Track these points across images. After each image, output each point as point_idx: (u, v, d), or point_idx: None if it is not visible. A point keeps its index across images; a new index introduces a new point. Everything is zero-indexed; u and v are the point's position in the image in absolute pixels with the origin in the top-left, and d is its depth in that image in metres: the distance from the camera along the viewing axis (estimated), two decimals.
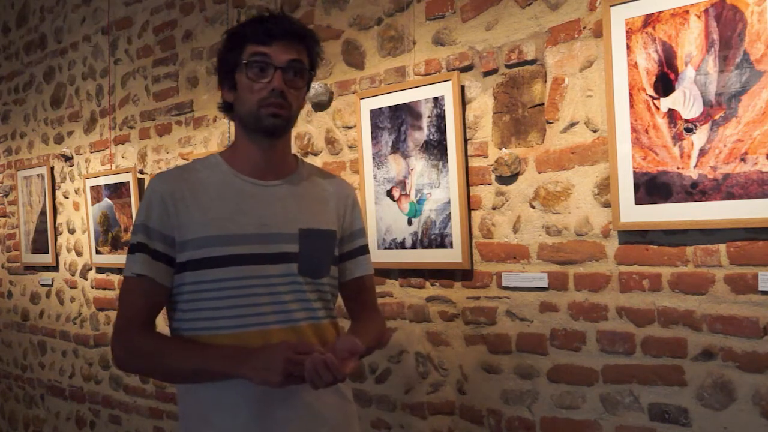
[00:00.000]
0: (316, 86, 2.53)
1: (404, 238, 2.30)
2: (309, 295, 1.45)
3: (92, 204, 3.55)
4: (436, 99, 2.20)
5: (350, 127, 2.50)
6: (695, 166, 1.71)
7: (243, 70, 1.40)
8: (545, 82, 2.00)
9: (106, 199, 3.46)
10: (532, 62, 2.02)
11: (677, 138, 1.74)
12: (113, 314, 3.55)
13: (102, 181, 3.48)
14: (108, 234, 3.47)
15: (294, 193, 1.49)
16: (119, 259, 3.42)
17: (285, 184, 1.49)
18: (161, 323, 1.44)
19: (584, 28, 1.92)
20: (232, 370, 1.30)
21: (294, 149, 2.65)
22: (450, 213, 2.18)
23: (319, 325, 1.47)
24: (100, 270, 3.62)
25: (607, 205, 1.88)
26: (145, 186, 1.53)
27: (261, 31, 1.39)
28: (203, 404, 1.41)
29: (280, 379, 1.25)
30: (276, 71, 1.38)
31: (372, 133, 2.38)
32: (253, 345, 1.33)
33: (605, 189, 1.88)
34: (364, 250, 1.62)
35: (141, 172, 3.35)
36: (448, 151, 2.17)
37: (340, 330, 1.56)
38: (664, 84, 1.75)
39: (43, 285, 4.09)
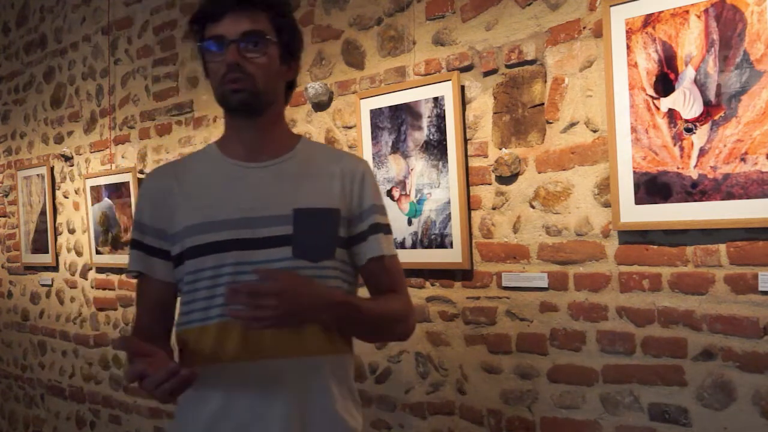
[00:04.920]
0: (316, 86, 2.53)
1: (404, 238, 2.30)
2: None
3: (92, 204, 3.55)
4: (436, 99, 2.19)
5: (350, 127, 2.50)
6: (695, 166, 1.71)
7: (203, 53, 1.37)
8: (545, 82, 2.00)
9: (106, 199, 3.46)
10: (532, 62, 2.02)
11: (677, 138, 1.74)
12: (113, 314, 3.56)
13: (102, 181, 3.48)
14: (108, 234, 3.47)
15: (289, 172, 1.41)
16: (119, 259, 3.42)
17: (279, 163, 1.42)
18: None
19: (584, 28, 1.92)
20: None
21: None
22: (450, 213, 2.18)
23: None
24: (100, 270, 3.62)
25: (607, 205, 1.88)
26: None
27: (211, 7, 1.34)
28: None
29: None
30: (230, 45, 1.31)
31: (372, 133, 2.38)
32: (231, 337, 1.30)
33: (605, 189, 1.88)
34: (377, 228, 1.43)
35: (141, 172, 3.35)
36: (448, 151, 2.17)
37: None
38: (664, 84, 1.75)
39: (43, 285, 4.09)
